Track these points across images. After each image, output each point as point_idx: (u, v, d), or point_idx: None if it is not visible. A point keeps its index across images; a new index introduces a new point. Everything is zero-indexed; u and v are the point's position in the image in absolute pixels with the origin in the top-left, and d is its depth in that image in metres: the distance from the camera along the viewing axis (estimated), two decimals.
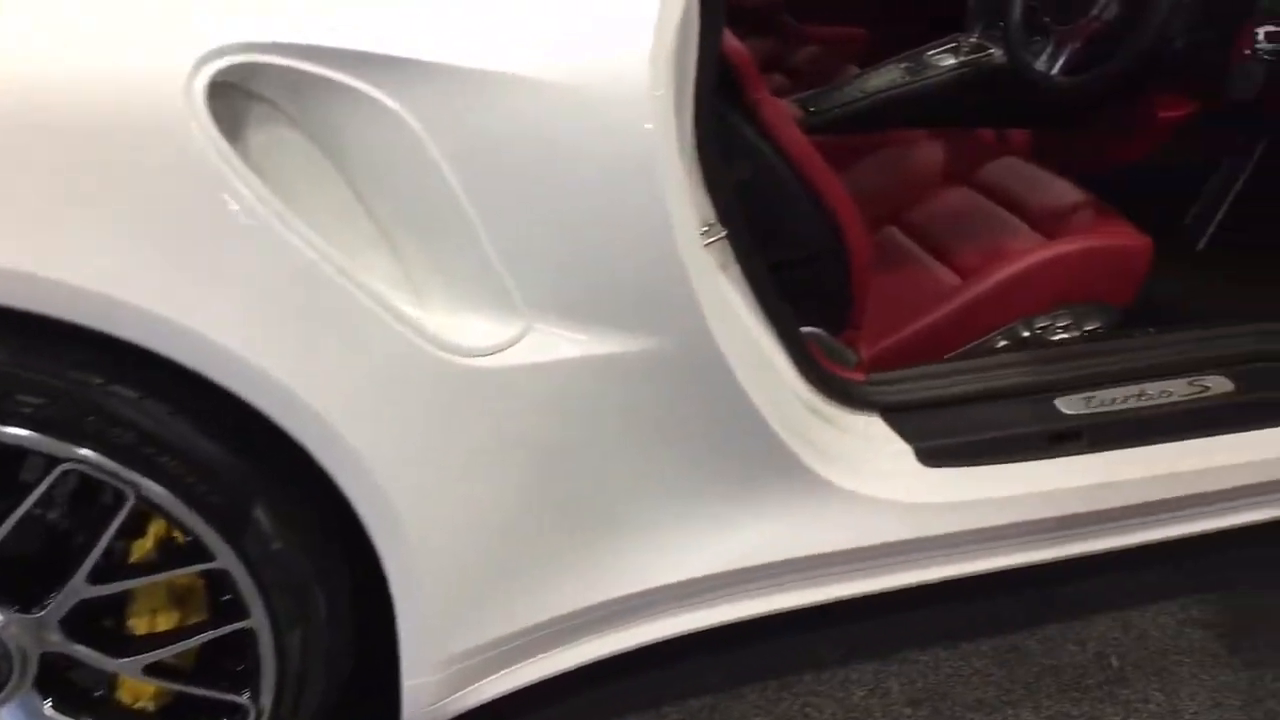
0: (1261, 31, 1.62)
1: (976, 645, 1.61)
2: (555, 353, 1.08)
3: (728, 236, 1.24)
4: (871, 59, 2.52)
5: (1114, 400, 1.51)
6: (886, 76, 2.24)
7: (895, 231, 1.91)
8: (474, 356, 1.04)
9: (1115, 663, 1.58)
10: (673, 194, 1.05)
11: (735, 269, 1.29)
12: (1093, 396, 1.51)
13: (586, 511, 1.24)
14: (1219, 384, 1.56)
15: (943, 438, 1.44)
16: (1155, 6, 1.54)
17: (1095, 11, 1.67)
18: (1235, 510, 1.59)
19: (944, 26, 2.29)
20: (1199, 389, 1.55)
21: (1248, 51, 1.64)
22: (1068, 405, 1.51)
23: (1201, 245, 2.30)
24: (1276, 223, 2.20)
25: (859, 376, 1.49)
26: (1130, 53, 1.58)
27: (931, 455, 1.43)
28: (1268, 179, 2.22)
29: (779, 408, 1.28)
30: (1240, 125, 2.18)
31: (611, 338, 1.10)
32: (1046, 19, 1.81)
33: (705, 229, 1.23)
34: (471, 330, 1.05)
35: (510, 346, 1.06)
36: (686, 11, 1.06)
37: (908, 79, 2.20)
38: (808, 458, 1.30)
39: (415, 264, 1.05)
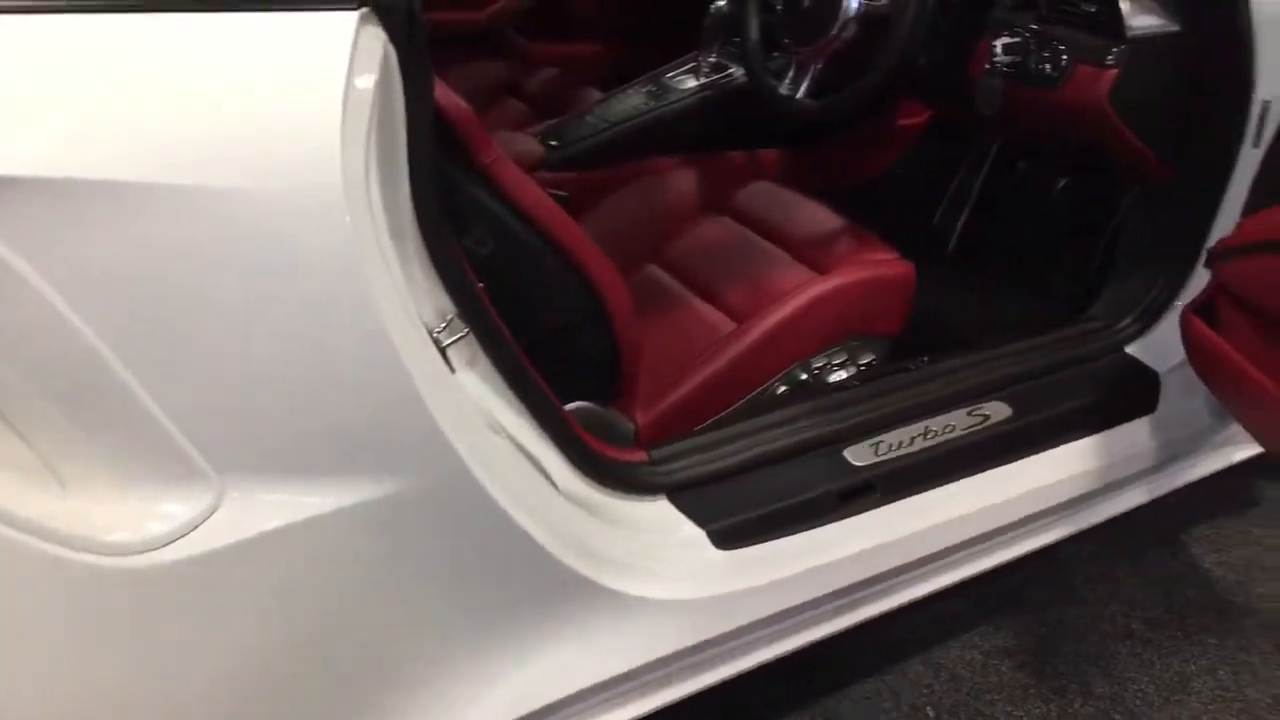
0: (999, 44, 1.60)
1: (793, 715, 1.51)
2: (258, 524, 0.84)
3: (471, 331, 1.04)
4: (612, 79, 2.40)
5: (900, 443, 1.44)
6: (628, 103, 2.10)
7: (657, 270, 1.77)
8: (144, 551, 0.78)
9: (931, 713, 1.52)
10: (387, 300, 0.84)
11: (484, 362, 1.10)
12: (880, 441, 1.43)
13: (352, 685, 1.01)
14: (997, 410, 1.53)
15: (734, 514, 1.31)
16: (896, 26, 1.47)
17: (834, 32, 1.60)
18: (1030, 535, 1.57)
19: (684, 41, 2.20)
20: (979, 419, 1.51)
21: (987, 65, 1.61)
22: (857, 455, 1.42)
23: (952, 246, 2.34)
24: (1018, 222, 2.26)
25: (639, 455, 1.34)
26: (875, 73, 1.51)
27: (725, 536, 1.29)
28: (1004, 179, 2.29)
29: (552, 522, 1.10)
30: (975, 131, 2.22)
31: (336, 489, 0.88)
32: (786, 40, 1.73)
33: (443, 326, 1.03)
34: (143, 515, 0.80)
35: (194, 529, 0.81)
36: (384, 73, 0.84)
37: (651, 104, 2.08)
38: (590, 571, 1.13)
39: (51, 440, 0.78)
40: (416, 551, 0.97)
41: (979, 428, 1.49)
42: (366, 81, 0.82)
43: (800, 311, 1.51)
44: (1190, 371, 1.59)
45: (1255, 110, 1.51)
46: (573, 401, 1.40)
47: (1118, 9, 1.47)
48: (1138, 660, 1.61)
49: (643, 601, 1.19)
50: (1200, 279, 1.62)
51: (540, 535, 1.06)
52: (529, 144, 2.01)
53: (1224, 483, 1.81)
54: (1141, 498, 1.69)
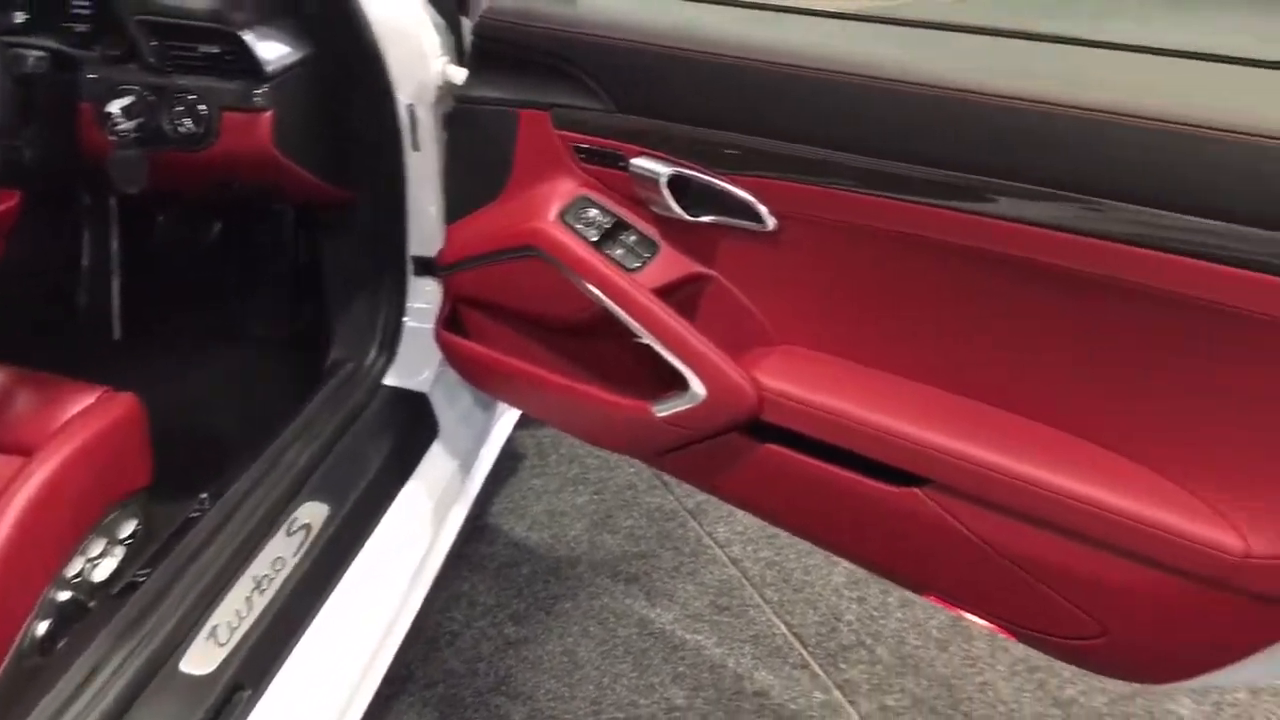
0: (116, 109, 1.29)
1: None
2: None
3: None
4: None
5: (240, 617, 1.15)
6: None
7: None
8: None
9: None
10: None
11: None
12: (215, 628, 1.13)
13: None
14: (314, 513, 1.32)
15: None
16: None
17: None
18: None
19: None
20: (303, 533, 1.28)
21: (113, 138, 1.30)
22: (198, 662, 1.10)
23: (118, 331, 1.98)
24: (186, 278, 1.99)
25: None
26: None
27: None
28: (147, 239, 1.98)
29: None
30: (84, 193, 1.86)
31: None
32: None
33: None
34: None
35: None
36: None
37: None
38: None
39: None
40: None
41: (310, 544, 1.27)
42: None
43: (21, 525, 1.09)
44: (448, 379, 1.57)
45: (404, 116, 1.48)
46: None
47: (245, 46, 1.28)
48: (528, 663, 1.62)
49: None
50: (418, 287, 1.59)
51: None
52: None
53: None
54: (463, 511, 1.66)
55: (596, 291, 1.16)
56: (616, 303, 1.15)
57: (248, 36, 1.28)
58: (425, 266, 1.58)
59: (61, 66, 1.33)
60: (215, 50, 1.29)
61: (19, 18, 1.39)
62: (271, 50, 1.31)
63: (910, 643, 1.64)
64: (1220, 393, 0.84)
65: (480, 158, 1.32)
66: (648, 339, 1.15)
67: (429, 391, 1.60)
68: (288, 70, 1.33)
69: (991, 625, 1.08)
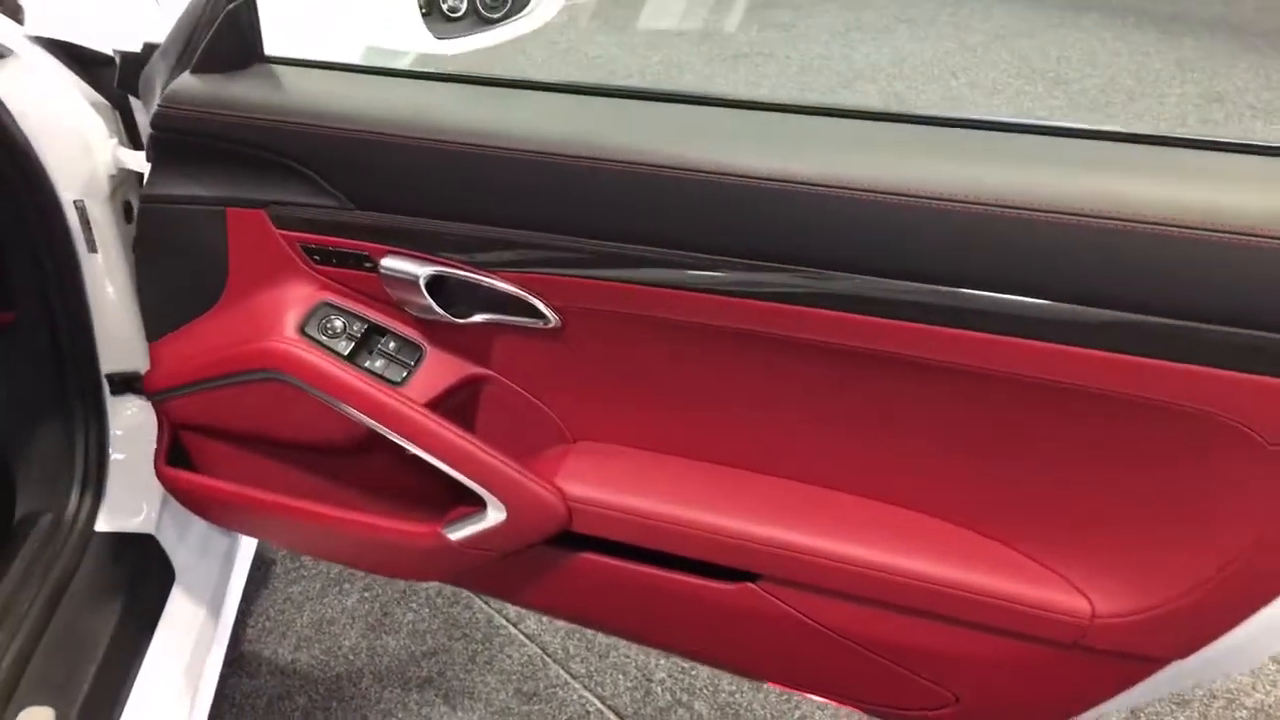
0: None
1: None
2: None
3: None
4: None
5: None
6: None
7: None
8: None
9: None
10: None
11: None
12: None
13: None
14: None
15: None
16: None
17: None
18: None
19: None
20: None
21: None
22: None
23: None
24: None
25: None
26: None
27: None
28: None
29: None
30: None
31: None
32: None
33: None
34: None
35: None
36: None
37: None
38: None
39: None
40: None
41: None
42: None
43: None
44: (174, 508, 1.34)
45: (72, 215, 1.23)
46: None
47: None
48: None
49: None
50: (119, 408, 1.34)
51: None
52: None
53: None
54: (220, 653, 1.42)
55: (358, 414, 1.00)
56: (384, 424, 1.00)
57: None
58: (124, 383, 1.33)
59: None
60: None
61: None
62: None
63: (724, 690, 1.60)
64: (1046, 460, 0.84)
65: (181, 263, 1.11)
66: (427, 458, 1.00)
67: (155, 530, 1.35)
68: None
69: (838, 703, 1.05)
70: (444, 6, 1.18)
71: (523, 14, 1.14)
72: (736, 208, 0.81)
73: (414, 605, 1.75)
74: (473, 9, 1.36)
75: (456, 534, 1.03)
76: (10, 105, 1.11)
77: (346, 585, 1.80)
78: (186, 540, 1.39)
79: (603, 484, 0.98)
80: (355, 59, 1.09)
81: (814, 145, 0.82)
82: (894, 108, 4.72)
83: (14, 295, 1.26)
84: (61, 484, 1.33)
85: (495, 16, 1.29)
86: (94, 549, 1.30)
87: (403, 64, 1.12)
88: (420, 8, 1.05)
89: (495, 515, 1.00)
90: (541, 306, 0.93)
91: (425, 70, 0.97)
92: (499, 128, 0.89)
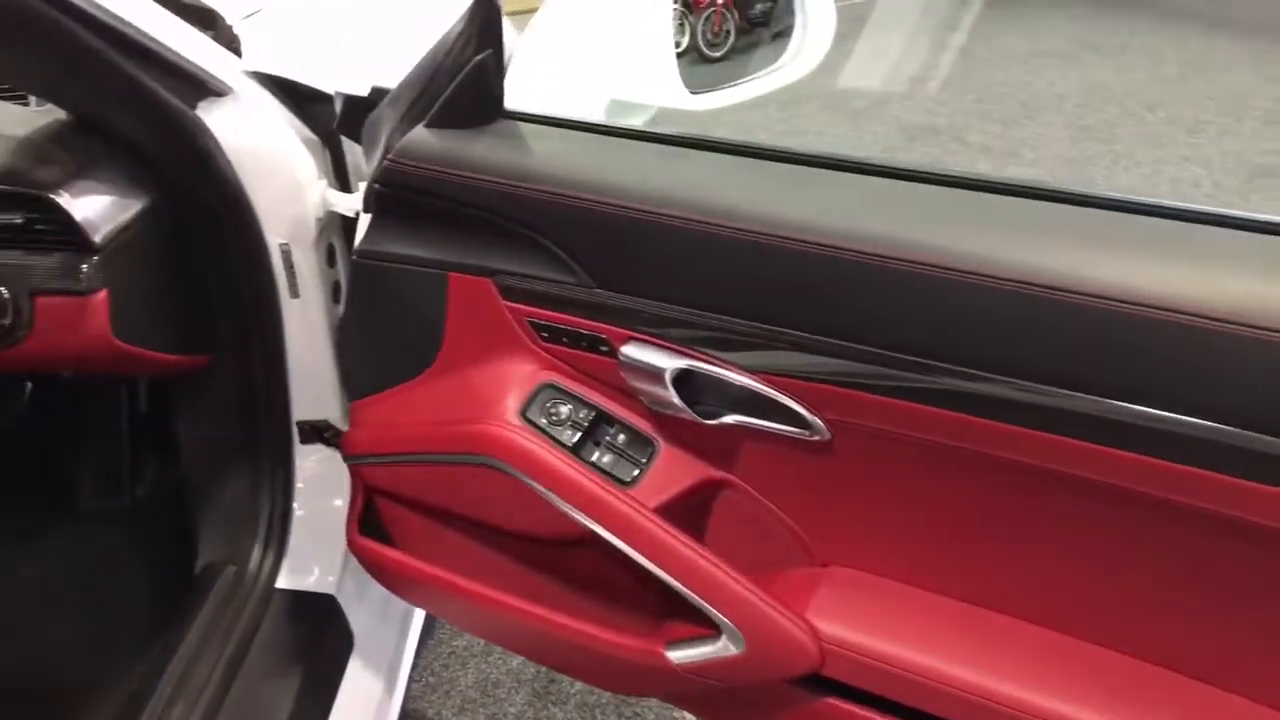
0: None
1: None
2: None
3: None
4: None
5: None
6: None
7: None
8: None
9: None
10: None
11: None
12: None
13: None
14: None
15: None
16: None
17: None
18: None
19: None
20: None
21: None
22: None
23: None
24: None
25: None
26: None
27: None
28: None
29: None
30: None
31: None
32: None
33: None
34: None
35: None
36: None
37: None
38: None
39: None
40: None
41: None
42: None
43: None
44: (355, 567, 1.26)
45: (277, 259, 1.16)
46: None
47: (60, 212, 0.94)
48: None
49: None
50: (306, 458, 1.27)
51: None
52: None
53: None
54: None
55: (581, 515, 0.89)
56: (610, 529, 0.88)
57: (63, 198, 0.94)
58: (314, 432, 1.26)
59: None
60: (16, 219, 0.94)
61: None
62: (98, 211, 0.97)
63: None
64: None
65: (393, 324, 1.02)
66: (656, 571, 0.88)
67: (335, 591, 1.28)
68: (122, 232, 0.99)
69: None
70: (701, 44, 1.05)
71: (778, 65, 1.02)
72: (1078, 330, 0.66)
73: None
74: (693, 46, 1.24)
75: (681, 657, 0.90)
76: (226, 144, 1.04)
77: None
78: (365, 603, 1.31)
79: (865, 626, 0.84)
80: (598, 113, 0.98)
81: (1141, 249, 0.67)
82: (1084, 143, 4.36)
83: (213, 337, 1.21)
84: (245, 534, 1.27)
85: (716, 55, 1.17)
86: (275, 607, 1.24)
87: (647, 119, 1.01)
88: (676, 46, 0.93)
89: (730, 645, 0.86)
90: (810, 416, 0.80)
91: (689, 135, 0.85)
92: (778, 212, 0.76)
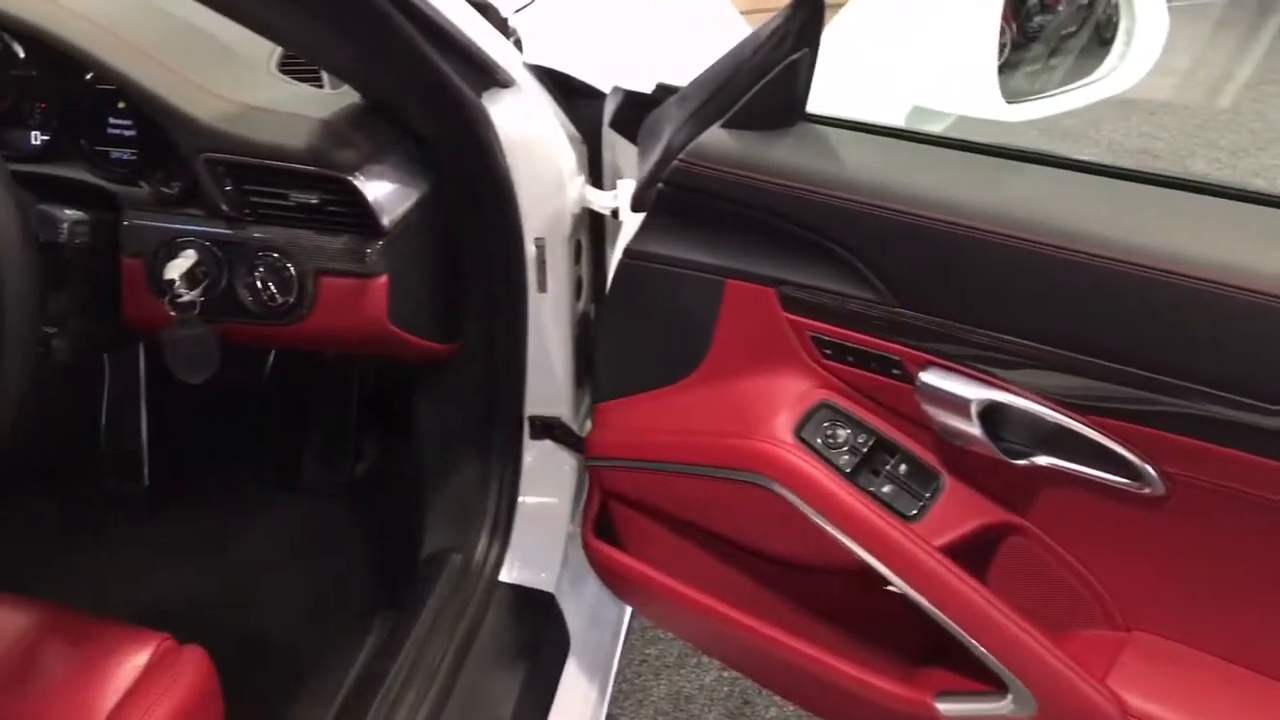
0: (175, 274, 0.96)
1: None
2: None
3: None
4: None
5: None
6: None
7: None
8: None
9: None
10: None
11: None
12: None
13: None
14: None
15: None
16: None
17: None
18: None
19: None
20: None
21: (172, 313, 0.97)
22: None
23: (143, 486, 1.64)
24: (222, 428, 1.66)
25: None
26: None
27: None
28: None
29: None
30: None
31: None
32: None
33: None
34: None
35: None
36: None
37: None
38: None
39: None
40: None
41: None
42: None
43: None
44: (572, 566, 1.25)
45: (530, 253, 1.15)
46: None
47: (356, 194, 0.95)
48: None
49: None
50: (534, 453, 1.26)
51: None
52: None
53: None
54: None
55: (855, 545, 0.84)
56: (887, 565, 0.82)
57: (359, 180, 0.95)
58: (545, 428, 1.25)
59: (92, 204, 1.00)
60: (312, 199, 0.96)
61: (35, 139, 1.06)
62: (388, 195, 0.98)
63: None
64: None
65: (655, 328, 1.00)
66: (936, 615, 0.82)
67: (554, 590, 1.27)
68: (405, 218, 1.00)
69: None
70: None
71: (1098, 76, 0.94)
72: None
73: (776, 699, 1.59)
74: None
75: (953, 710, 0.84)
76: (504, 136, 1.04)
77: (704, 658, 1.66)
78: (581, 605, 1.30)
79: (1180, 703, 0.75)
80: (897, 121, 0.93)
81: None
82: None
83: (463, 326, 1.21)
84: (473, 524, 1.27)
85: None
86: (498, 600, 1.23)
87: (944, 128, 0.95)
88: (1002, 47, 0.86)
89: (1017, 706, 0.79)
90: (1142, 465, 0.72)
91: (1013, 147, 0.78)
92: (1124, 237, 0.69)
